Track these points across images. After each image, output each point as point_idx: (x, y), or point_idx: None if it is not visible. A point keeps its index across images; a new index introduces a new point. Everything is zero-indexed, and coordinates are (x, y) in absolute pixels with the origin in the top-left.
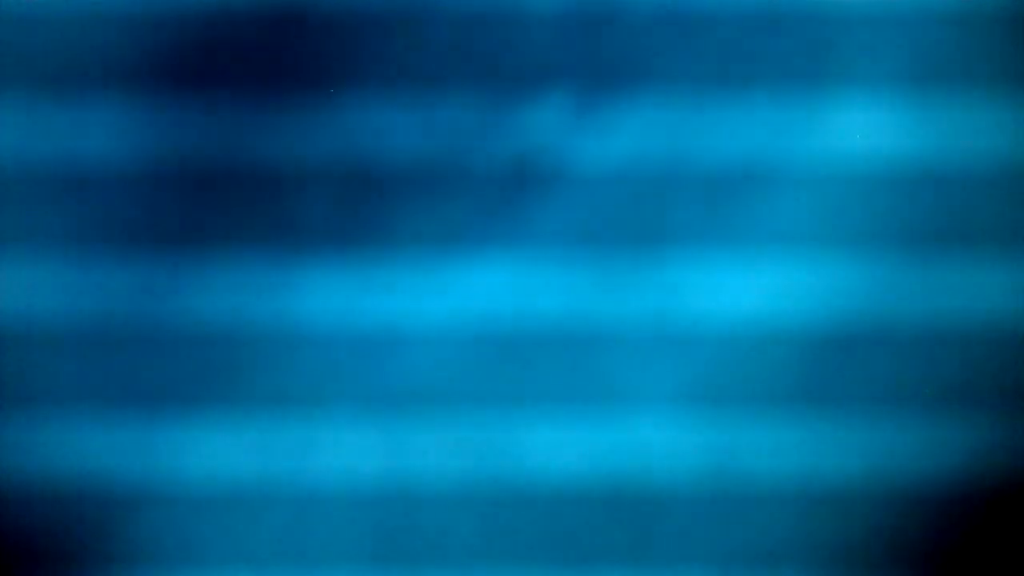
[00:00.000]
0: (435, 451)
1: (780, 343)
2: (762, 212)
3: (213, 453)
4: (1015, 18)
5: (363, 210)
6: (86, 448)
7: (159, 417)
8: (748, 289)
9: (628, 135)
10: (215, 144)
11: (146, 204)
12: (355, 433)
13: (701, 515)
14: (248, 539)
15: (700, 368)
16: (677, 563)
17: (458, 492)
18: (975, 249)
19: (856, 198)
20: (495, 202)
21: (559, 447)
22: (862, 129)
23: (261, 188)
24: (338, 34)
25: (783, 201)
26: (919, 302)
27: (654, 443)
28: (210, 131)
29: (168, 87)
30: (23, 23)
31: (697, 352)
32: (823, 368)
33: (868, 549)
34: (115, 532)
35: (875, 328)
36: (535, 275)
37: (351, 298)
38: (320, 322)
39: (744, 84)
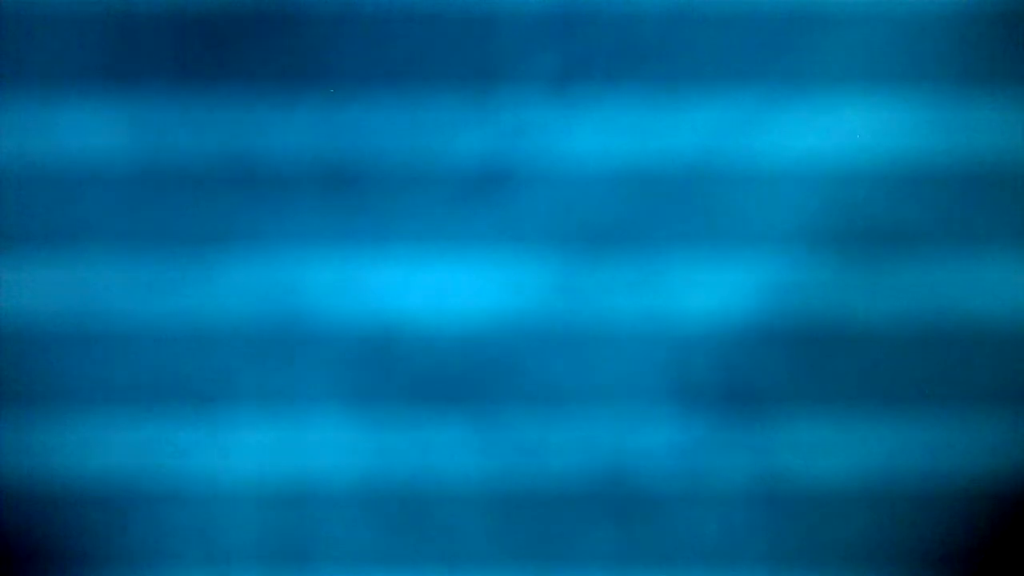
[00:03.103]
0: (417, 450)
1: (777, 342)
2: (761, 210)
3: (215, 451)
4: (1016, 16)
5: (349, 207)
6: (86, 448)
7: (160, 416)
8: (744, 287)
9: (609, 132)
10: (199, 143)
11: (146, 203)
12: (346, 431)
13: (681, 514)
14: (253, 537)
15: (692, 365)
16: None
17: (447, 491)
18: (976, 248)
19: (856, 196)
20: (471, 200)
21: (535, 445)
22: (860, 127)
23: (255, 186)
24: (314, 32)
25: (781, 199)
26: (918, 300)
27: (637, 441)
28: (194, 130)
29: (160, 87)
30: (22, 22)
31: (690, 349)
32: (821, 366)
33: (869, 548)
34: (115, 531)
35: (875, 326)
36: (512, 272)
37: (347, 295)
38: (319, 319)
39: (741, 82)
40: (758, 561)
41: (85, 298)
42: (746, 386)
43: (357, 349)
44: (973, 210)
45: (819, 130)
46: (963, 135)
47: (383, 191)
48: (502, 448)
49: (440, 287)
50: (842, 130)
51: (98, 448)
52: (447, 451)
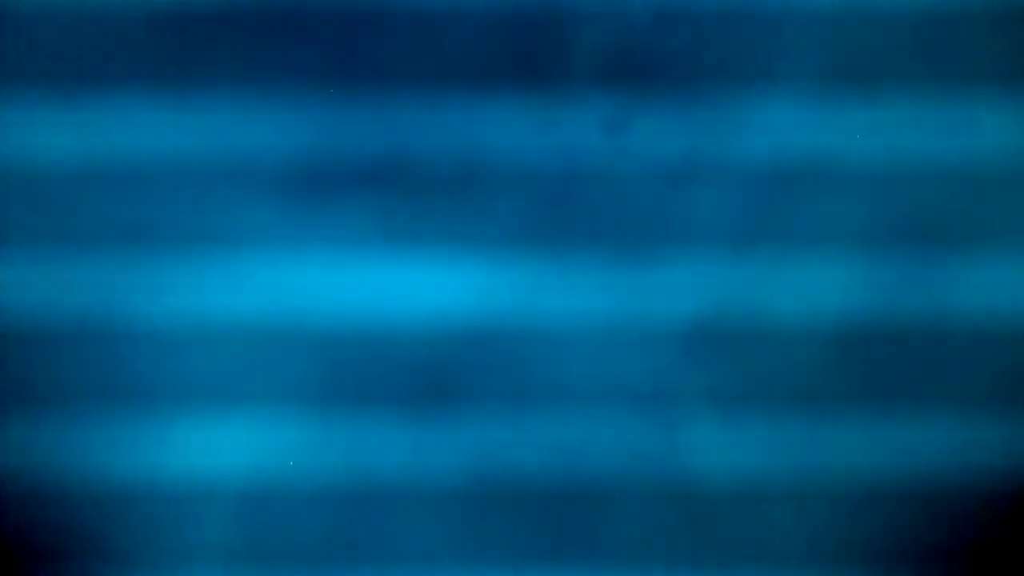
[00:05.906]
0: (393, 449)
1: (786, 342)
2: (771, 212)
3: (215, 451)
4: (1018, 15)
5: (391, 209)
6: (85, 447)
7: (159, 416)
8: (758, 288)
9: (667, 132)
10: (213, 142)
11: (147, 203)
12: (356, 431)
13: (703, 513)
14: (250, 536)
15: (713, 368)
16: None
17: (422, 490)
18: (984, 248)
19: (867, 197)
20: (525, 202)
21: (513, 446)
22: (866, 127)
23: (262, 187)
24: (353, 31)
25: (793, 201)
26: (917, 300)
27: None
28: (208, 130)
29: (167, 86)
30: (23, 21)
31: (708, 351)
32: (834, 366)
33: (872, 547)
34: (114, 531)
35: (886, 327)
36: (568, 274)
37: (351, 294)
38: (317, 319)
39: (744, 83)
40: (749, 561)
41: (85, 298)
42: (746, 385)
43: (360, 350)
44: (973, 210)
45: (829, 130)
46: (963, 135)
47: (412, 193)
48: (496, 449)
49: (482, 289)
50: (844, 131)
51: (97, 448)
52: (438, 452)
